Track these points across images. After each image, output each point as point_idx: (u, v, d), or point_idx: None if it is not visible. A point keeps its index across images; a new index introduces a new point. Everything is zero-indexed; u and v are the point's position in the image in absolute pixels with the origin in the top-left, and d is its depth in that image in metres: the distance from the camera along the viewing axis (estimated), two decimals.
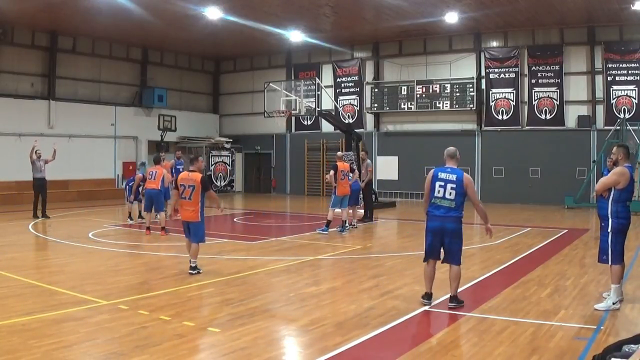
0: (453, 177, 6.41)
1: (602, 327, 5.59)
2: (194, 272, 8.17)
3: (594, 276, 8.10)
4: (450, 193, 6.37)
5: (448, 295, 7.01)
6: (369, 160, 15.74)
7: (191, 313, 6.15)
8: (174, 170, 15.63)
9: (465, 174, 6.46)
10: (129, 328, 5.50)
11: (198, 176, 8.24)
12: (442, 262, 6.57)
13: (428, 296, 6.55)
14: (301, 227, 14.41)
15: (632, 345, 3.90)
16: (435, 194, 6.44)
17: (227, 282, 7.78)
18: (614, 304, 6.25)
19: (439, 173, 6.50)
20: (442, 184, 6.42)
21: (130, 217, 14.80)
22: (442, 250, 6.55)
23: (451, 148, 6.68)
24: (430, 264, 6.60)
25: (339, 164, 13.08)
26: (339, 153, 13.92)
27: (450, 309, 6.33)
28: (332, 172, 12.95)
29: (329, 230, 12.83)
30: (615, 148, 6.72)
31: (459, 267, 6.51)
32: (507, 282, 7.81)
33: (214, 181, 26.26)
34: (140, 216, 14.72)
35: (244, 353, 4.88)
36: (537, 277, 8.17)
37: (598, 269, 8.11)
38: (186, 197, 8.22)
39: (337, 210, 13.30)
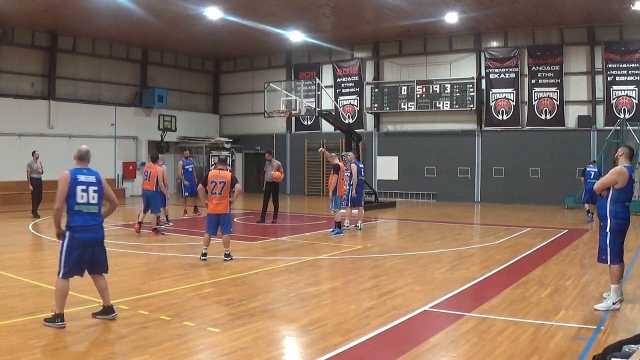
0: (92, 178, 5.72)
1: (602, 327, 5.58)
2: (228, 258, 9.17)
3: (594, 276, 8.10)
4: (94, 197, 5.68)
5: (448, 296, 7.03)
6: (276, 161, 15.07)
7: (191, 313, 6.14)
8: (182, 171, 15.90)
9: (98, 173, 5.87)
10: (129, 328, 5.50)
11: (228, 174, 9.29)
12: (90, 274, 5.88)
13: (62, 317, 5.50)
14: (301, 227, 14.40)
15: (632, 345, 3.89)
16: (78, 200, 5.59)
17: (227, 282, 7.79)
18: (614, 304, 6.25)
19: (78, 176, 5.64)
20: (85, 187, 5.63)
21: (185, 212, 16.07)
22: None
23: (83, 147, 5.88)
24: (69, 280, 5.67)
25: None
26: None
27: (98, 319, 5.74)
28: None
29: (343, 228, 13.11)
30: (621, 147, 6.71)
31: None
32: (507, 282, 7.80)
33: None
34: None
35: (244, 353, 4.87)
36: (537, 277, 8.16)
37: (598, 269, 8.11)
38: (217, 192, 9.14)
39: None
